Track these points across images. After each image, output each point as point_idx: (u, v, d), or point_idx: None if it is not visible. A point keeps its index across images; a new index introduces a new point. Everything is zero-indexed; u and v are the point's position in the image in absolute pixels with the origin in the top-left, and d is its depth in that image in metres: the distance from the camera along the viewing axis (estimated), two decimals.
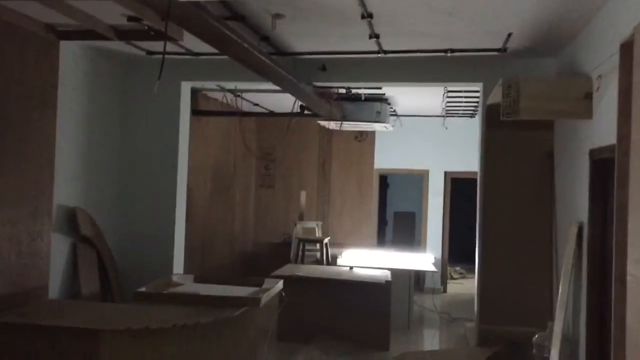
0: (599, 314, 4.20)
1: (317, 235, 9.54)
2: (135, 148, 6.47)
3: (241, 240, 9.92)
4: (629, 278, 3.12)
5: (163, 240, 6.37)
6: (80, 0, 4.17)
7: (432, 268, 8.09)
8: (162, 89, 5.96)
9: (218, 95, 8.00)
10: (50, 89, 5.06)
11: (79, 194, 5.76)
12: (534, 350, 4.84)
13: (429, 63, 5.84)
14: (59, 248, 5.42)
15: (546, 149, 5.74)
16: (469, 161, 9.22)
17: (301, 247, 8.87)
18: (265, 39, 5.10)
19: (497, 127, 5.69)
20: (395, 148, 10.11)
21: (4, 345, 3.85)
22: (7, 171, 4.52)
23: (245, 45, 4.15)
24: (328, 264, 8.73)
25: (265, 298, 4.53)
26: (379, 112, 7.74)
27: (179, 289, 4.82)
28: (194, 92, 7.06)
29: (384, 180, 12.28)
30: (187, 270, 6.67)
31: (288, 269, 6.92)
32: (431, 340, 7.46)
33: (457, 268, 11.75)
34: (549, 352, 4.55)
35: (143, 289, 4.60)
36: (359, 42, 5.17)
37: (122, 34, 4.96)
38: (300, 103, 7.09)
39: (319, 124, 8.76)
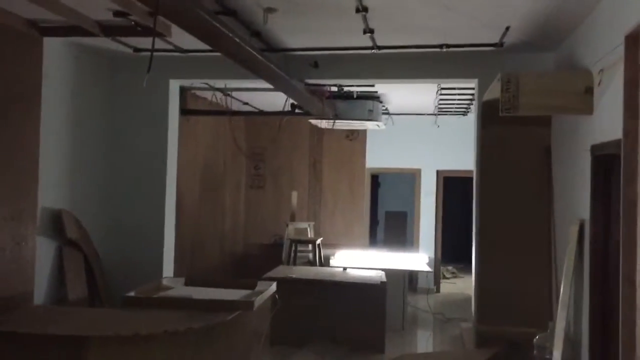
0: (601, 314, 4.10)
1: (309, 235, 9.41)
2: (122, 148, 6.33)
3: (231, 241, 9.78)
4: (639, 278, 3.02)
5: (152, 242, 6.23)
6: None
7: (427, 268, 8.00)
8: (150, 87, 5.86)
9: (207, 95, 7.85)
10: (34, 88, 4.90)
11: (64, 195, 5.61)
12: (535, 352, 4.74)
13: (423, 59, 5.73)
14: (44, 252, 5.27)
15: (543, 145, 5.65)
16: (462, 159, 9.15)
17: (293, 248, 8.74)
18: (257, 34, 4.97)
19: (492, 123, 5.61)
20: (387, 147, 10.01)
21: None
22: None
23: (237, 40, 4.02)
24: (321, 265, 8.62)
25: (258, 301, 4.40)
26: (371, 111, 7.64)
27: (169, 293, 4.69)
28: (183, 91, 6.92)
29: (375, 179, 12.18)
30: (177, 272, 6.53)
31: (281, 271, 6.79)
32: (426, 342, 7.36)
33: (450, 267, 11.68)
34: (550, 353, 4.45)
35: (132, 293, 4.45)
36: (352, 37, 5.05)
37: (108, 30, 4.83)
38: (291, 102, 6.97)
39: (309, 123, 8.64)
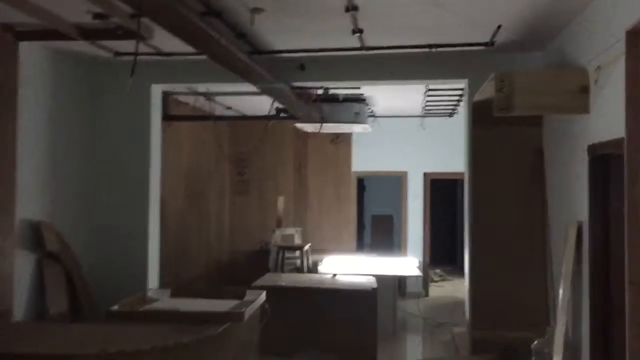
0: (602, 318, 4.00)
1: (296, 241, 9.24)
2: (103, 156, 6.14)
3: (217, 249, 9.59)
4: None
5: (136, 252, 6.05)
6: None
7: (417, 272, 7.89)
8: (131, 92, 5.66)
9: (190, 99, 7.67)
10: (10, 95, 4.71)
11: (43, 206, 5.41)
12: (533, 358, 4.62)
13: (412, 59, 5.62)
14: (23, 265, 5.08)
15: (535, 146, 5.56)
16: (449, 161, 9.09)
17: (281, 255, 8.57)
18: (242, 36, 4.81)
19: (483, 124, 5.52)
20: (373, 150, 9.89)
21: None
22: None
23: (223, 42, 3.87)
24: (309, 271, 8.47)
25: (248, 312, 4.26)
26: (357, 113, 7.51)
27: (155, 306, 4.50)
28: (165, 96, 6.74)
29: (361, 182, 12.07)
30: (161, 282, 6.33)
31: (269, 279, 6.62)
32: (418, 348, 7.24)
33: (437, 270, 11.58)
34: (550, 358, 4.34)
35: (116, 307, 4.26)
36: (340, 38, 4.93)
37: (88, 33, 4.65)
38: (276, 106, 6.82)
39: (294, 127, 8.49)
